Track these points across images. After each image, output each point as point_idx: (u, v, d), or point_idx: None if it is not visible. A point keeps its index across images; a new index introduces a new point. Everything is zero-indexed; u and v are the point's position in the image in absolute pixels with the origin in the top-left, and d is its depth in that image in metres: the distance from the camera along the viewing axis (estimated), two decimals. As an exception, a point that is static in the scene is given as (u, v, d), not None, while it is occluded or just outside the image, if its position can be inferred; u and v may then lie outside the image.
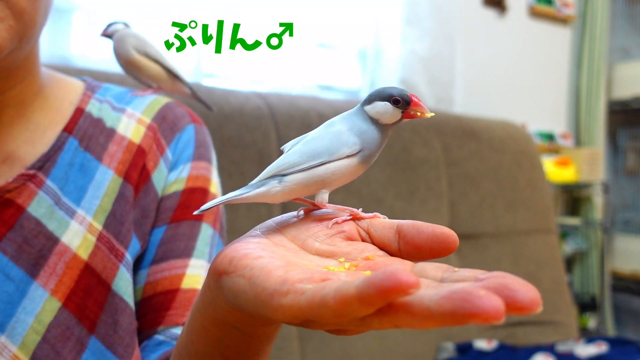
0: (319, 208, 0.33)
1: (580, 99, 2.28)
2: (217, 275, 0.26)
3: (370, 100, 0.33)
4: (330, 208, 0.32)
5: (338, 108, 1.18)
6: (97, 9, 1.27)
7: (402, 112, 0.32)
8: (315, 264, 0.27)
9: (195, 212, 0.32)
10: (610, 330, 2.21)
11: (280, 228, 0.30)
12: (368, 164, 0.33)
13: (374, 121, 0.32)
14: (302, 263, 0.26)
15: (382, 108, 0.32)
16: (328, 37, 1.63)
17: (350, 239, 0.29)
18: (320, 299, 0.21)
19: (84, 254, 0.45)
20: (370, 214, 0.31)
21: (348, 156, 0.32)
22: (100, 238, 0.46)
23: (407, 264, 0.26)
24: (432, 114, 0.32)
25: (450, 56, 1.74)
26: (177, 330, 0.47)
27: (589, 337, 1.68)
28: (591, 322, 2.13)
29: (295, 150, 0.33)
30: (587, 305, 2.15)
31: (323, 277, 0.22)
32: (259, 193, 0.32)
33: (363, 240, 0.30)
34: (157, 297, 0.48)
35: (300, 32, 1.51)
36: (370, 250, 0.28)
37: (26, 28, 0.42)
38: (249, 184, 0.32)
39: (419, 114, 0.32)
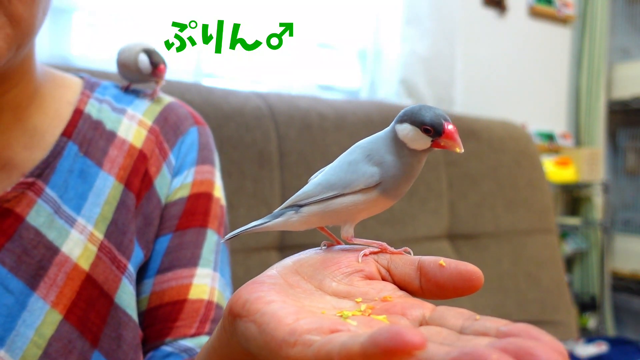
0: (340, 243, 0.32)
1: (580, 98, 2.28)
2: (232, 317, 0.26)
3: (402, 119, 0.29)
4: (357, 242, 0.30)
5: (338, 108, 1.18)
6: (97, 9, 1.27)
7: (432, 140, 0.29)
8: (331, 305, 0.26)
9: (223, 240, 0.33)
10: (610, 330, 2.21)
11: (298, 267, 0.29)
12: (394, 196, 0.30)
13: (402, 145, 0.29)
14: (317, 307, 0.25)
15: (410, 132, 0.29)
16: (328, 37, 1.63)
17: (369, 277, 0.28)
18: (326, 353, 0.20)
19: (85, 265, 0.43)
20: (398, 250, 0.30)
21: (364, 189, 0.30)
22: (101, 248, 0.44)
23: (426, 307, 0.25)
24: (462, 151, 0.29)
25: (450, 56, 1.74)
26: (185, 342, 0.46)
27: (589, 337, 1.68)
28: (591, 322, 2.13)
29: (314, 180, 0.32)
30: (587, 305, 2.15)
31: (332, 327, 0.22)
32: (278, 222, 0.32)
33: (383, 278, 0.28)
34: (164, 307, 0.47)
35: (300, 32, 1.51)
36: (389, 289, 0.27)
37: (24, 35, 0.40)
38: (272, 212, 0.33)
39: (449, 146, 0.29)
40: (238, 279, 0.98)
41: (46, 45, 1.18)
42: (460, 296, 0.26)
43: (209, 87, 1.06)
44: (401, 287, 0.28)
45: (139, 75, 0.55)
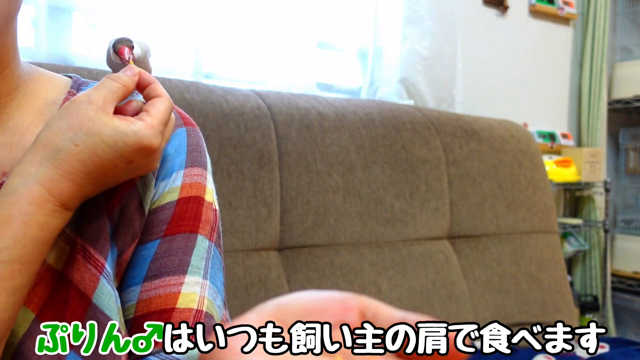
0: None
1: (582, 98, 2.27)
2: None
3: None
4: None
5: (338, 107, 1.18)
6: (97, 9, 1.27)
7: None
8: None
9: None
10: (612, 331, 2.20)
11: (279, 314, 0.27)
12: None
13: None
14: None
15: None
16: (328, 37, 1.62)
17: None
18: None
19: (58, 264, 0.42)
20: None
21: None
22: (75, 246, 0.43)
23: None
24: None
25: (451, 55, 1.74)
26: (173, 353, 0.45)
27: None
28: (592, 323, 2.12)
29: None
30: (588, 305, 2.14)
31: None
32: None
33: None
34: (151, 316, 0.46)
35: (300, 32, 1.50)
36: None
37: None
38: None
39: None
40: (238, 279, 0.98)
41: (45, 45, 1.17)
42: None
43: (209, 86, 1.05)
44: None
45: (118, 69, 0.54)
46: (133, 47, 0.51)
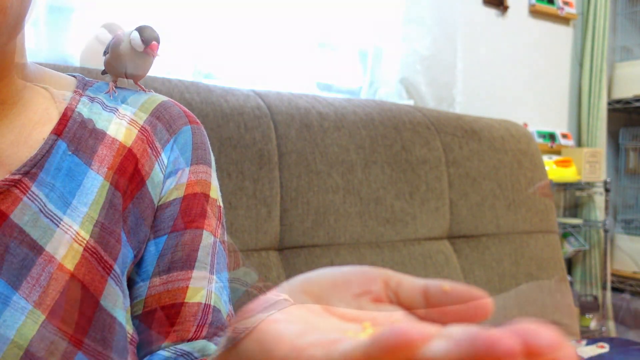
0: None
1: (582, 98, 2.27)
2: (235, 333, 0.25)
3: None
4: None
5: (338, 107, 1.18)
6: (96, 9, 1.27)
7: None
8: (336, 327, 0.25)
9: None
10: (611, 331, 2.20)
11: (306, 287, 0.28)
12: None
13: None
14: (321, 327, 0.25)
15: None
16: (328, 37, 1.62)
17: (377, 300, 0.27)
18: None
19: (69, 265, 0.42)
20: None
21: None
22: (87, 248, 0.44)
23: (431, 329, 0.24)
24: None
25: (451, 55, 1.74)
26: (183, 346, 0.46)
27: (590, 338, 1.68)
28: (593, 323, 2.12)
29: None
30: (588, 305, 2.14)
31: (335, 339, 0.21)
32: None
33: (390, 301, 0.27)
34: (161, 311, 0.47)
35: (300, 32, 1.50)
36: (398, 316, 0.26)
37: (10, 24, 0.39)
38: None
39: None
40: (237, 279, 0.98)
41: (45, 45, 1.17)
42: (469, 323, 0.24)
43: (209, 86, 1.05)
44: (410, 313, 0.27)
45: (133, 58, 0.52)
46: (159, 43, 0.50)
